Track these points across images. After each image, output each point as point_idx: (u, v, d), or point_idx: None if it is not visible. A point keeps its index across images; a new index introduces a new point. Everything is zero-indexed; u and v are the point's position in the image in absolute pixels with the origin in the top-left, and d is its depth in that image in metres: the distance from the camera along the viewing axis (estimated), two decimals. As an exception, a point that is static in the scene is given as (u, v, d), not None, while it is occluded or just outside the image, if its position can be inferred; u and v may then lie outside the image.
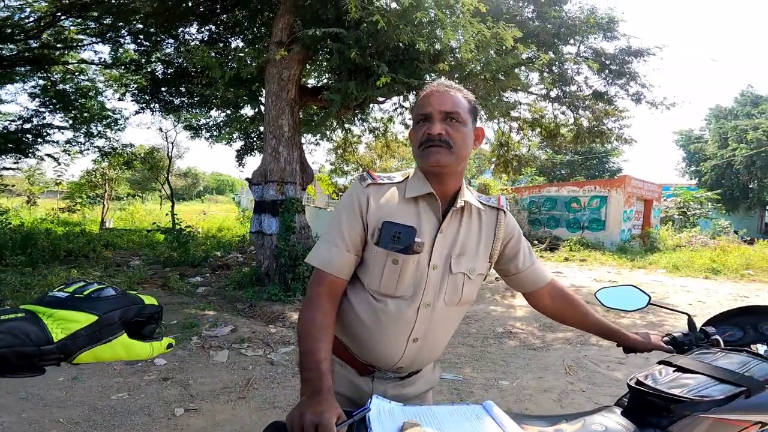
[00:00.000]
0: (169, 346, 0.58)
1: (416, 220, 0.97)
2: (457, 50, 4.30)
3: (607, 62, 6.65)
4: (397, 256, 0.95)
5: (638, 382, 0.88)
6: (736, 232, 15.73)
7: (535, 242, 13.13)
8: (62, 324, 0.47)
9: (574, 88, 7.15)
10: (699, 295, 6.82)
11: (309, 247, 5.80)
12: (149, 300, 0.56)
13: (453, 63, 4.85)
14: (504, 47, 4.59)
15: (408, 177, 1.04)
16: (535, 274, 1.13)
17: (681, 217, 16.70)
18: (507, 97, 7.39)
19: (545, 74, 6.72)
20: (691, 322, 1.16)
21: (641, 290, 1.27)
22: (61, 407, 2.46)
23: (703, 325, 1.18)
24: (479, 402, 0.87)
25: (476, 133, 1.03)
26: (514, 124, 8.42)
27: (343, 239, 0.97)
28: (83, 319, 0.48)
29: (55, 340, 0.45)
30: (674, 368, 0.93)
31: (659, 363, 0.97)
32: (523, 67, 6.45)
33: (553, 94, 7.29)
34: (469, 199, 1.03)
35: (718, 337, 1.12)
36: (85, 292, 0.51)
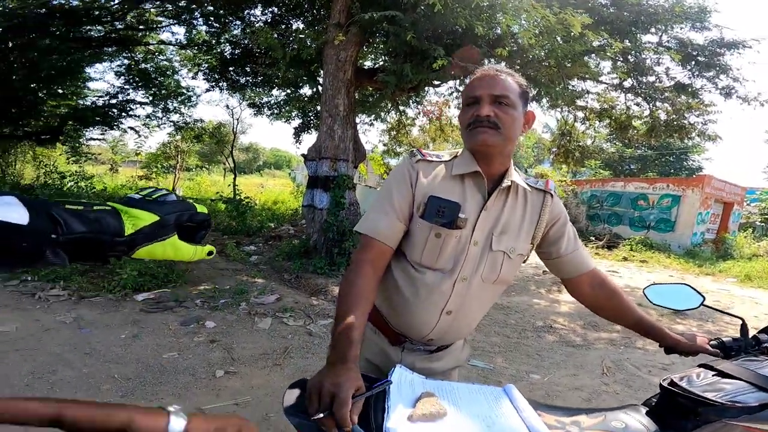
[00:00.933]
0: (210, 253, 0.67)
1: (461, 196, 1.00)
2: (518, 35, 4.10)
3: (695, 53, 6.05)
4: (441, 230, 0.97)
5: (671, 383, 0.86)
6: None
7: (592, 238, 12.41)
8: (133, 220, 0.56)
9: (652, 78, 6.60)
10: (768, 308, 6.15)
11: (356, 223, 5.96)
12: (201, 209, 0.65)
13: (514, 48, 4.65)
14: (571, 34, 4.31)
15: (456, 156, 1.06)
16: (576, 259, 1.11)
17: (763, 224, 14.91)
18: (573, 85, 6.97)
19: (619, 63, 6.22)
20: (744, 327, 1.09)
21: (695, 290, 1.19)
22: (119, 363, 2.69)
23: (758, 332, 1.10)
24: (501, 385, 0.88)
25: (527, 116, 1.03)
26: (580, 114, 7.93)
27: (393, 208, 1.00)
28: (148, 218, 0.58)
29: (125, 234, 0.54)
30: (714, 372, 0.89)
31: (700, 366, 0.93)
32: (593, 55, 6.03)
33: (627, 84, 6.76)
34: (516, 179, 1.04)
35: None
36: (154, 196, 0.61)
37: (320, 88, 6.68)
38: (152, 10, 8.79)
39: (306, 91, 9.02)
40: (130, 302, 3.84)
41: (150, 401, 2.31)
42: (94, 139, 11.82)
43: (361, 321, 0.85)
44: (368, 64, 8.03)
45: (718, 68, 6.06)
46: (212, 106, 47.82)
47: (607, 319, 1.16)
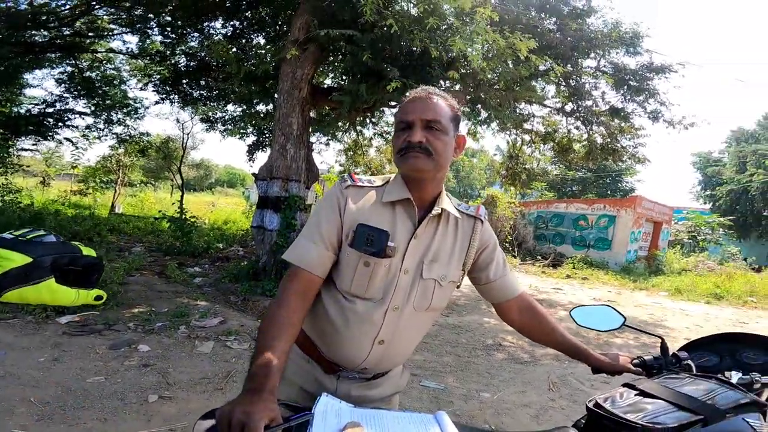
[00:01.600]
0: (98, 297, 0.59)
1: (391, 224, 0.98)
2: (470, 58, 4.30)
3: (627, 78, 6.55)
4: (369, 258, 0.95)
5: (596, 404, 0.86)
6: (744, 260, 15.39)
7: (539, 257, 12.99)
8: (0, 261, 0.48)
9: (590, 102, 7.08)
10: (698, 319, 6.69)
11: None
12: (88, 251, 0.57)
13: (467, 71, 4.84)
14: (519, 58, 4.58)
15: (388, 181, 1.04)
16: (505, 285, 1.13)
17: (690, 241, 16.40)
18: (521, 109, 7.36)
19: (562, 87, 6.65)
20: (663, 346, 1.15)
21: (617, 311, 1.25)
22: (36, 387, 2.48)
23: (679, 349, 1.16)
24: (432, 412, 0.85)
25: (458, 140, 1.03)
26: (527, 137, 8.37)
27: (321, 237, 0.97)
28: (19, 260, 0.50)
29: None
30: (636, 392, 0.90)
31: (624, 385, 0.95)
32: (539, 79, 6.40)
33: (568, 108, 7.23)
34: (447, 206, 1.03)
35: (690, 362, 1.09)
36: (28, 236, 0.53)
37: (275, 105, 6.59)
38: (105, 17, 8.40)
39: (261, 107, 8.87)
40: (52, 324, 3.48)
41: (71, 425, 2.14)
42: (26, 150, 10.89)
43: (282, 351, 0.82)
44: (328, 82, 8.06)
45: (647, 92, 6.58)
46: (161, 119, 45.99)
47: (536, 342, 1.19)
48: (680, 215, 18.32)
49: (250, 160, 9.40)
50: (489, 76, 4.76)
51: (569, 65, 6.00)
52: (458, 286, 1.11)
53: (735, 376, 1.01)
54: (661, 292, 9.32)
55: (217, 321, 4.10)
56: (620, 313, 1.23)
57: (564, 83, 6.46)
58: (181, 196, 12.24)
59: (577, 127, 7.62)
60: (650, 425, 0.77)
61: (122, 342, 3.31)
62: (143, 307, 4.29)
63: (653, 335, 1.17)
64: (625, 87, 6.56)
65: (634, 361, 1.12)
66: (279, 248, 5.53)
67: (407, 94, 1.04)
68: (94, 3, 7.68)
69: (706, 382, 0.93)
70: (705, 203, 24.23)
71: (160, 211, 8.42)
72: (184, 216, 8.12)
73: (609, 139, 7.29)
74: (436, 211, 1.00)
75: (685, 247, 16.00)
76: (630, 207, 13.04)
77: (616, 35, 6.08)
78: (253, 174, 6.25)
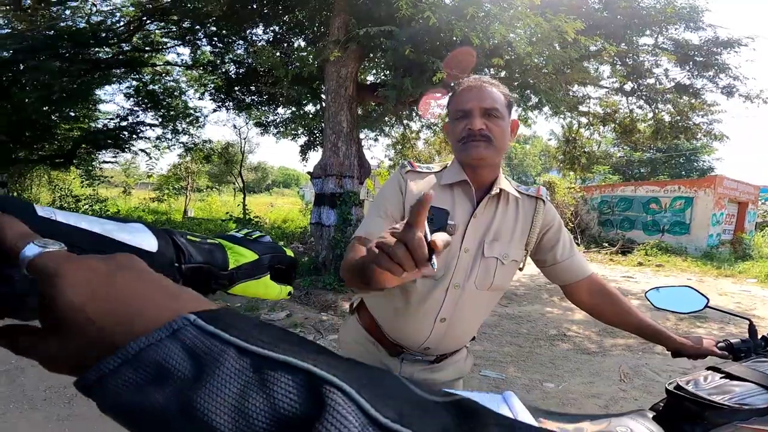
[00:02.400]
0: (290, 293, 0.70)
1: (450, 204, 1.02)
2: (514, 44, 4.16)
3: (692, 53, 6.05)
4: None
5: (677, 387, 0.85)
6: None
7: (605, 244, 12.22)
8: (236, 256, 0.59)
9: (652, 81, 6.59)
10: (792, 308, 5.96)
11: (365, 239, 5.99)
12: (289, 252, 0.69)
13: (512, 57, 4.69)
14: (566, 39, 4.35)
15: (446, 167, 1.09)
16: (573, 266, 1.11)
17: (781, 222, 14.56)
18: (574, 91, 6.98)
19: (618, 67, 6.24)
20: (752, 329, 1.08)
21: (699, 291, 1.17)
22: None
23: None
24: (500, 392, 0.87)
25: (512, 125, 1.05)
26: (583, 119, 7.92)
27: (385, 213, 1.03)
28: (249, 256, 0.61)
29: (229, 268, 0.57)
30: (722, 375, 0.87)
31: (708, 369, 0.92)
32: (591, 60, 6.05)
33: (627, 87, 6.76)
34: (506, 187, 1.05)
35: None
36: (253, 236, 0.65)
37: (323, 105, 6.79)
38: (157, 31, 9.03)
39: (310, 108, 9.17)
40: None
41: None
42: (107, 162, 12.09)
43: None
44: (371, 78, 8.15)
45: (716, 67, 6.05)
46: (219, 126, 48.90)
47: (609, 324, 1.15)
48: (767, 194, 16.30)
49: (303, 160, 9.76)
50: (536, 60, 4.57)
51: (623, 44, 5.61)
52: (521, 268, 1.11)
53: None
54: (749, 278, 8.42)
55: (284, 314, 4.37)
56: (703, 294, 1.15)
57: (620, 62, 6.04)
58: (243, 198, 13.05)
59: (640, 107, 7.10)
60: (737, 406, 0.75)
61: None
62: (220, 303, 4.63)
63: (741, 317, 1.10)
64: (691, 63, 6.05)
65: (720, 344, 1.06)
66: (337, 243, 5.73)
67: (460, 83, 1.06)
68: (145, 18, 8.26)
69: None
70: (799, 178, 21.33)
71: (227, 213, 9.04)
72: (248, 217, 8.66)
73: (679, 117, 6.71)
74: (494, 191, 1.02)
75: (775, 228, 14.24)
76: (709, 187, 11.82)
77: (672, 11, 5.62)
78: (308, 173, 6.51)
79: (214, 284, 0.54)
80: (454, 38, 4.11)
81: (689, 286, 1.21)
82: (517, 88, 5.40)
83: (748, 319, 1.09)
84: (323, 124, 6.59)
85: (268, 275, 0.62)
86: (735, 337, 1.09)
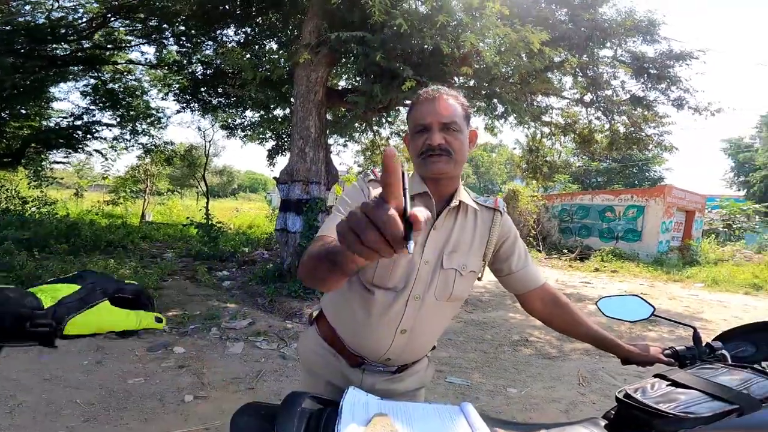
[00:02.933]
0: (158, 320, 0.63)
1: None
2: (483, 53, 4.26)
3: (647, 66, 6.36)
4: None
5: (626, 395, 0.86)
6: (784, 248, 14.61)
7: (565, 251, 12.70)
8: (50, 293, 0.52)
9: (609, 92, 6.89)
10: (736, 311, 6.42)
11: (331, 246, 5.91)
12: (129, 281, 0.62)
13: (481, 66, 4.80)
14: (532, 50, 4.51)
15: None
16: (527, 276, 1.14)
17: (725, 230, 15.70)
18: (538, 101, 7.23)
19: (579, 78, 6.51)
20: (696, 336, 1.12)
21: (645, 300, 1.23)
22: (80, 389, 2.62)
23: (713, 339, 1.13)
24: (457, 403, 0.87)
25: (471, 135, 1.06)
26: (546, 129, 8.21)
27: (347, 211, 1.00)
28: (67, 289, 0.54)
29: (44, 306, 0.50)
30: (668, 382, 0.89)
31: (655, 376, 0.94)
32: (555, 71, 6.28)
33: (587, 98, 7.07)
34: (465, 199, 1.06)
35: (724, 352, 1.07)
36: (64, 276, 0.58)
37: (292, 109, 6.68)
38: (121, 29, 8.66)
39: (279, 112, 9.02)
40: (92, 330, 3.68)
41: (115, 426, 2.26)
42: (58, 162, 11.40)
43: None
44: (342, 84, 8.12)
45: (668, 80, 6.36)
46: (183, 127, 47.17)
47: (562, 332, 1.18)
48: (713, 203, 17.54)
49: (270, 165, 9.57)
50: (503, 70, 4.70)
51: (585, 56, 5.86)
52: (480, 278, 1.12)
53: None
54: (697, 283, 8.98)
55: (246, 322, 4.23)
56: (649, 303, 1.21)
57: (581, 74, 6.31)
58: (207, 203, 12.61)
59: (597, 118, 7.42)
60: (683, 415, 0.76)
61: (159, 344, 3.47)
62: (177, 310, 4.47)
63: (685, 325, 1.15)
64: (645, 75, 6.37)
65: (666, 351, 1.10)
66: (303, 250, 5.63)
67: (418, 94, 1.06)
68: (109, 15, 7.92)
69: (742, 372, 0.90)
70: (739, 190, 23.18)
71: (188, 218, 8.70)
72: (210, 222, 8.36)
73: (632, 128, 7.08)
74: (454, 203, 1.03)
75: (720, 236, 15.34)
76: (659, 196, 12.58)
77: (631, 23, 5.92)
78: (275, 178, 6.38)
79: (33, 327, 0.48)
80: (425, 46, 4.16)
81: (637, 295, 1.26)
82: (484, 98, 5.54)
83: (693, 327, 1.14)
84: (291, 129, 6.49)
85: (107, 301, 0.57)
86: (684, 340, 1.14)
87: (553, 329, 1.19)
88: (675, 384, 0.87)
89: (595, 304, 1.27)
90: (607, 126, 7.36)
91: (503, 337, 4.45)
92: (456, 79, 5.14)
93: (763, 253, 12.60)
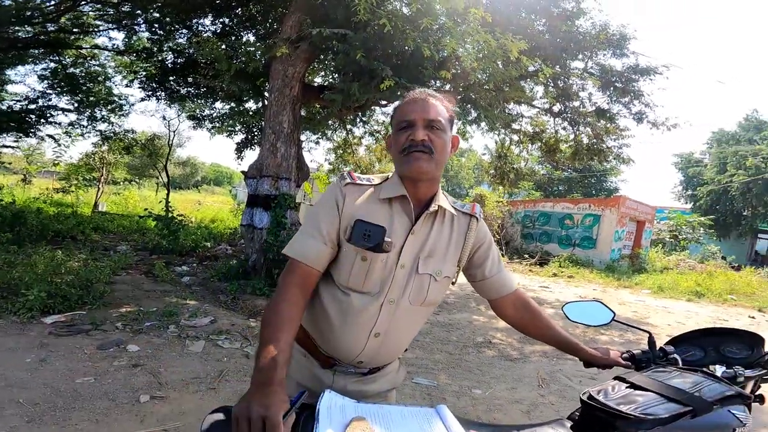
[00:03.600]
0: None
1: (388, 220, 1.00)
2: (462, 59, 4.32)
3: (613, 79, 6.61)
4: (366, 253, 0.98)
5: (590, 397, 0.89)
6: (724, 258, 15.84)
7: (526, 256, 13.15)
8: None
9: (576, 103, 7.12)
10: (679, 316, 6.88)
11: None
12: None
13: (458, 71, 4.87)
14: (509, 58, 4.61)
15: (387, 179, 1.07)
16: (500, 282, 1.16)
17: (672, 240, 16.80)
18: (510, 109, 7.41)
19: (550, 88, 6.72)
20: (651, 340, 1.19)
21: (607, 306, 1.30)
22: (24, 388, 2.44)
23: (665, 344, 1.20)
24: (433, 405, 0.88)
25: (453, 140, 1.06)
26: (515, 137, 8.44)
27: (320, 232, 0.99)
28: None
29: None
30: (627, 384, 0.94)
31: (615, 378, 0.99)
32: (528, 80, 6.44)
33: (555, 108, 7.29)
34: (443, 204, 1.06)
35: (676, 356, 1.14)
36: None
37: (265, 103, 6.53)
38: (91, 13, 8.22)
39: (251, 105, 8.79)
40: (37, 325, 3.45)
41: (62, 427, 2.12)
42: (7, 147, 10.59)
43: (286, 343, 0.84)
44: (318, 80, 8.00)
45: (632, 94, 6.64)
46: (147, 116, 45.00)
47: (530, 336, 1.23)
48: (662, 215, 18.75)
49: (238, 158, 9.30)
50: (480, 76, 4.79)
51: (558, 66, 6.05)
52: (453, 282, 1.13)
53: (719, 370, 1.06)
54: (644, 290, 9.53)
55: (208, 320, 4.07)
56: (610, 309, 1.28)
57: (552, 84, 6.52)
58: (167, 194, 12.05)
59: (564, 128, 7.70)
60: (643, 416, 0.80)
61: (111, 342, 3.27)
62: (131, 306, 4.25)
63: (641, 330, 1.22)
64: (611, 88, 6.64)
65: (624, 355, 1.17)
66: (269, 247, 5.50)
67: (405, 95, 1.06)
68: None
69: (693, 375, 0.97)
70: (686, 203, 24.75)
71: (146, 210, 8.27)
72: (171, 215, 8.00)
73: (595, 140, 7.39)
74: (433, 208, 1.03)
75: (666, 245, 16.37)
76: (614, 206, 13.29)
77: (604, 37, 6.14)
78: (243, 172, 6.20)
79: None
80: (406, 48, 4.16)
81: (599, 301, 1.33)
82: (458, 102, 5.63)
83: (648, 332, 1.20)
84: (263, 123, 6.31)
85: None
86: (632, 344, 1.21)
87: (522, 333, 1.23)
88: (633, 386, 0.92)
89: (561, 308, 1.33)
90: (572, 136, 7.65)
91: (468, 339, 4.54)
92: (433, 82, 5.18)
93: (705, 263, 13.58)
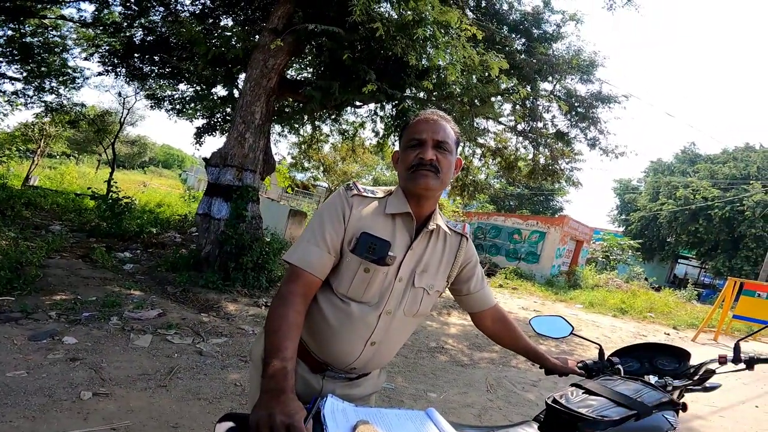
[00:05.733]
0: None
1: (391, 234, 1.04)
2: (443, 70, 4.40)
3: (576, 104, 6.96)
4: (370, 265, 1.01)
5: (554, 401, 1.00)
6: (646, 279, 17.40)
7: (476, 266, 13.64)
8: None
9: (540, 125, 7.44)
10: (606, 330, 7.48)
11: (257, 237, 5.61)
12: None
13: (437, 81, 4.96)
14: (488, 75, 4.73)
15: (390, 193, 1.10)
16: (483, 297, 1.25)
17: (603, 259, 18.18)
18: (477, 123, 7.67)
19: (518, 107, 7.00)
20: (601, 352, 1.35)
21: (567, 321, 1.45)
22: None
23: (609, 356, 1.35)
24: (422, 409, 0.94)
25: (457, 162, 1.12)
26: (478, 151, 8.73)
27: (324, 240, 1.01)
28: None
29: None
30: (583, 390, 1.06)
31: (572, 385, 1.11)
32: (499, 97, 6.68)
33: (520, 127, 7.60)
34: (440, 223, 1.11)
35: (620, 366, 1.28)
36: None
37: (237, 91, 6.28)
38: None
39: (218, 90, 8.44)
40: (-43, 311, 3.07)
41: None
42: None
43: (294, 351, 0.87)
44: (291, 73, 7.82)
45: (590, 120, 7.07)
46: (100, 91, 41.50)
47: (502, 346, 1.34)
48: (598, 236, 20.22)
49: (197, 143, 8.84)
50: (457, 89, 4.92)
51: (529, 87, 6.29)
52: (440, 296, 1.20)
53: (652, 379, 1.22)
54: (577, 304, 10.25)
55: (156, 313, 3.85)
56: (570, 324, 1.44)
57: (521, 103, 6.81)
58: (111, 173, 11.20)
59: (525, 147, 8.09)
60: (599, 418, 0.93)
61: (44, 333, 3.00)
62: (66, 294, 3.91)
63: (593, 342, 1.39)
64: (573, 113, 7.02)
65: (579, 364, 1.31)
66: (227, 238, 5.29)
67: (417, 114, 1.11)
68: None
69: (634, 383, 1.12)
70: (620, 226, 26.83)
71: (89, 188, 7.64)
72: (116, 195, 7.44)
73: (551, 161, 7.83)
74: (431, 226, 1.08)
75: (598, 264, 17.68)
76: (559, 225, 14.17)
77: (576, 62, 6.45)
78: (204, 159, 5.92)
79: None
80: (391, 53, 4.17)
81: (561, 317, 1.48)
82: (432, 112, 5.69)
83: (599, 345, 1.37)
84: (233, 112, 6.04)
85: None
86: (566, 353, 1.37)
87: (498, 344, 1.33)
88: (588, 392, 1.05)
89: (529, 321, 1.47)
90: (530, 156, 8.05)
91: (422, 344, 4.65)
92: (411, 90, 5.24)
93: (630, 283, 14.83)
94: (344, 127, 8.78)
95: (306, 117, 8.08)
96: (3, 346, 2.69)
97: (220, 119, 8.71)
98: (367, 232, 1.01)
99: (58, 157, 13.15)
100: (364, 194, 1.07)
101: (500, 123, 7.76)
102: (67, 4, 8.40)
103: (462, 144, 7.39)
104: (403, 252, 1.05)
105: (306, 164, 11.28)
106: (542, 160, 7.89)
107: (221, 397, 2.57)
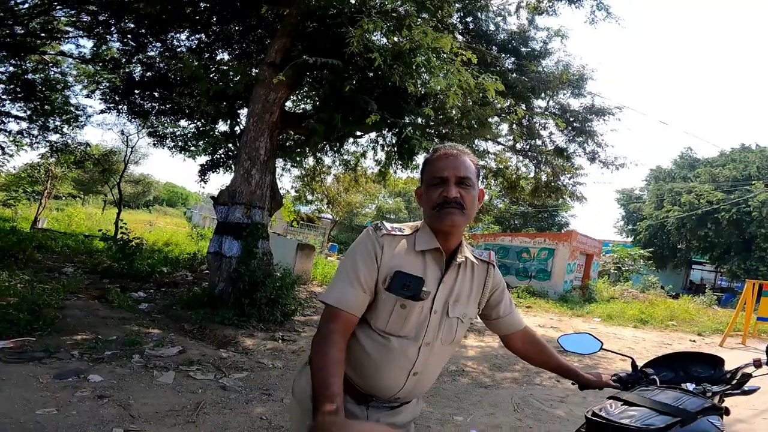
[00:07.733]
0: None
1: (423, 270, 1.09)
2: (440, 95, 4.50)
3: (572, 119, 7.02)
4: (406, 302, 1.06)
5: (594, 414, 1.02)
6: (662, 288, 17.16)
7: (487, 286, 13.52)
8: None
9: (539, 142, 7.47)
10: (628, 342, 7.34)
11: (269, 273, 5.63)
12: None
13: (435, 106, 5.06)
14: (484, 97, 4.82)
15: (417, 230, 1.15)
16: (512, 320, 1.30)
17: (616, 271, 17.99)
18: (477, 145, 7.78)
19: (515, 126, 7.10)
20: (634, 364, 1.36)
21: (595, 337, 1.47)
22: None
23: (642, 367, 1.36)
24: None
25: (479, 194, 1.17)
26: (480, 172, 8.77)
27: (358, 280, 1.05)
28: None
29: None
30: (621, 402, 1.08)
31: (609, 398, 1.13)
32: (496, 118, 6.78)
33: (519, 146, 7.66)
34: (467, 254, 1.16)
35: (655, 376, 1.29)
36: None
37: (240, 127, 6.44)
38: (63, 18, 7.87)
39: (220, 126, 8.64)
40: (-17, 352, 3.12)
41: None
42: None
43: (340, 387, 0.92)
44: (289, 104, 8.02)
45: (587, 134, 7.10)
46: (103, 129, 42.24)
47: (535, 366, 1.38)
48: (607, 248, 20.09)
49: (202, 181, 8.98)
50: (456, 114, 5.02)
51: (524, 105, 6.38)
52: (472, 322, 1.25)
53: (690, 387, 1.22)
54: (595, 318, 10.11)
55: (176, 350, 3.86)
56: (598, 340, 1.46)
57: (518, 122, 6.90)
58: (118, 213, 11.36)
59: (525, 165, 8.15)
60: (644, 427, 0.94)
61: (69, 371, 3.03)
62: (87, 334, 3.94)
63: (625, 356, 1.41)
64: (570, 128, 7.05)
65: (612, 377, 1.32)
66: (240, 276, 5.31)
67: (436, 149, 1.16)
68: (55, 3, 7.24)
69: (672, 391, 1.13)
70: (627, 237, 26.56)
71: (100, 230, 7.74)
72: (126, 236, 7.53)
73: (553, 178, 7.86)
74: (460, 259, 1.13)
75: (611, 276, 17.51)
76: (567, 241, 14.14)
77: (566, 77, 6.54)
78: (212, 197, 6.02)
79: None
80: (389, 83, 4.28)
81: (589, 334, 1.50)
82: (434, 136, 5.80)
83: (631, 358, 1.39)
84: (239, 148, 6.15)
85: None
86: (590, 368, 1.38)
87: (529, 364, 1.38)
88: (627, 403, 1.07)
89: (557, 340, 1.50)
90: (532, 174, 8.10)
91: (442, 368, 4.59)
92: (410, 117, 5.35)
93: (646, 293, 14.64)
94: (346, 157, 8.93)
95: (308, 150, 8.23)
96: (29, 384, 2.73)
97: (223, 155, 8.82)
98: (401, 270, 1.06)
99: (64, 198, 13.32)
100: (393, 233, 1.12)
101: (499, 143, 7.86)
102: (66, 40, 8.65)
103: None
104: (435, 286, 1.10)
105: (309, 197, 11.35)
106: (544, 178, 7.93)
107: (249, 431, 2.56)
